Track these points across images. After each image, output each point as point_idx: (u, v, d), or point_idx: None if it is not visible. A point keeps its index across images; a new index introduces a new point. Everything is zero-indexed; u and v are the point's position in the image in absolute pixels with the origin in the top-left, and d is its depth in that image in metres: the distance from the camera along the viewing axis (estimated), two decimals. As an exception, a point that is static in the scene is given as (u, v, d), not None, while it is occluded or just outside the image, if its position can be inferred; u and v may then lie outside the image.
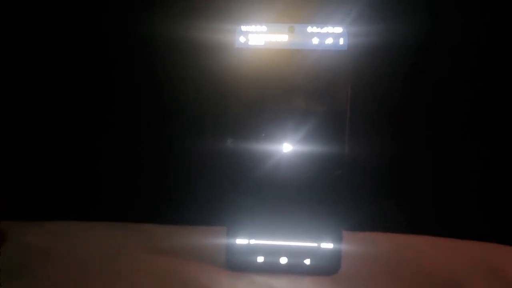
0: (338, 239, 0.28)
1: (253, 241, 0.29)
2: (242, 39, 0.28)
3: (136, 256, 0.30)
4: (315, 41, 0.28)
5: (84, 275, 0.28)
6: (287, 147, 0.28)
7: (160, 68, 0.33)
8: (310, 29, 0.28)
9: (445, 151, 0.33)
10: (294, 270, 0.29)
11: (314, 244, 0.28)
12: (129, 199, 0.34)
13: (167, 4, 0.32)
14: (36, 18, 0.33)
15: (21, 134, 0.34)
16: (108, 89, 0.34)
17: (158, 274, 0.28)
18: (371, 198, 0.33)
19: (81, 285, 0.27)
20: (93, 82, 0.33)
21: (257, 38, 0.28)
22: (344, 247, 0.29)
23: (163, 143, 0.33)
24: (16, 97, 0.34)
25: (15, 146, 0.34)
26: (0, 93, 0.33)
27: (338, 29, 0.28)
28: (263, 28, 0.28)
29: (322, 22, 0.28)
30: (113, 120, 0.34)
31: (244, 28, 0.28)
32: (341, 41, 0.28)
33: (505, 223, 0.32)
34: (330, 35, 0.28)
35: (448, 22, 0.31)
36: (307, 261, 0.28)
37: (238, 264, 0.29)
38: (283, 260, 0.29)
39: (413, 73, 0.32)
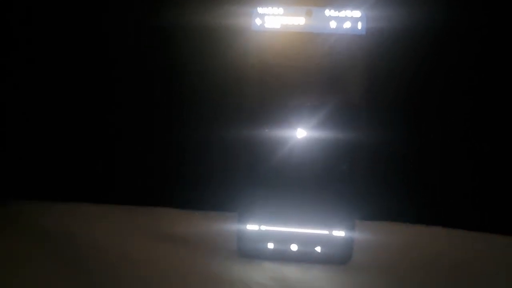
0: (350, 227, 0.28)
1: (264, 228, 0.28)
2: (258, 21, 0.28)
3: (145, 240, 0.29)
4: (333, 24, 0.27)
5: (91, 258, 0.27)
6: (301, 133, 0.28)
7: (176, 54, 0.32)
8: (328, 12, 0.27)
9: (460, 142, 0.32)
10: (305, 258, 0.28)
11: (326, 232, 0.28)
12: (141, 183, 0.34)
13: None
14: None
15: (36, 116, 0.34)
16: (124, 74, 0.33)
17: (167, 260, 0.28)
18: (385, 188, 0.32)
19: (87, 269, 0.27)
20: (110, 67, 0.33)
21: (274, 20, 0.28)
22: (356, 236, 0.28)
23: (176, 127, 0.33)
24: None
25: (27, 129, 0.34)
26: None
27: (357, 13, 0.27)
28: (280, 10, 0.28)
29: (340, 6, 0.27)
30: (127, 103, 0.34)
31: (260, 10, 0.28)
32: (359, 25, 0.27)
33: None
34: (348, 19, 0.27)
35: (469, 6, 0.30)
36: (318, 249, 0.28)
37: (248, 251, 0.28)
38: (294, 247, 0.28)
39: (432, 59, 0.31)
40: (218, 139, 0.32)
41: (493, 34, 0.31)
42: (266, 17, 0.28)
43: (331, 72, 0.27)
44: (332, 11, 0.27)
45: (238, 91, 0.30)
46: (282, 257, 0.28)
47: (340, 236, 0.28)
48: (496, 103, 0.32)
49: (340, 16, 0.27)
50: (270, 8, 0.28)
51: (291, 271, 0.28)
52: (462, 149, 0.32)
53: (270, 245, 0.28)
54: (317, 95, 0.28)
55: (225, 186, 0.32)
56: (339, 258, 0.28)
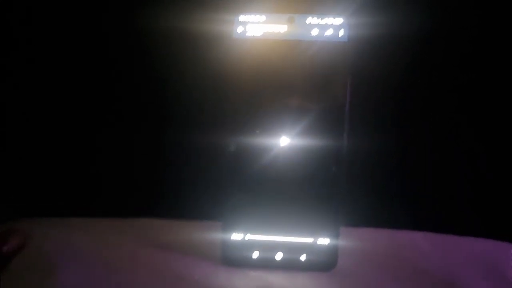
0: (335, 235, 0.28)
1: (248, 236, 0.28)
2: (240, 29, 0.27)
3: (131, 250, 0.29)
4: (315, 32, 0.27)
5: (79, 269, 0.28)
6: (284, 141, 0.28)
7: (157, 60, 0.32)
8: (310, 19, 0.27)
9: (445, 147, 0.32)
10: (290, 266, 0.28)
11: (311, 240, 0.28)
12: (124, 194, 0.34)
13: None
14: (35, 17, 0.32)
15: (20, 131, 0.33)
16: (104, 83, 0.33)
17: (152, 269, 0.28)
18: (369, 194, 0.32)
19: (75, 279, 0.27)
20: (90, 78, 0.33)
21: (255, 28, 0.27)
22: (341, 243, 0.28)
23: (158, 137, 0.33)
24: (16, 97, 0.33)
25: (15, 143, 0.34)
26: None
27: (339, 20, 0.27)
28: (262, 18, 0.27)
29: (322, 13, 0.27)
30: (109, 113, 0.33)
31: (242, 18, 0.27)
32: (342, 32, 0.27)
33: (504, 220, 0.32)
34: (330, 26, 0.27)
35: (453, 13, 0.30)
36: (303, 257, 0.28)
37: (233, 259, 0.29)
38: (279, 256, 0.28)
39: (416, 66, 0.31)
40: (200, 148, 0.32)
41: (477, 39, 0.31)
42: (248, 25, 0.27)
43: (314, 79, 0.27)
44: (314, 18, 0.27)
45: (220, 99, 0.30)
46: (267, 265, 0.28)
47: (324, 244, 0.28)
48: (487, 110, 0.32)
49: (322, 23, 0.27)
50: (252, 15, 0.27)
51: (277, 279, 0.28)
52: (449, 155, 0.32)
53: (255, 254, 0.28)
54: (300, 102, 0.27)
55: (209, 195, 0.32)
56: (324, 266, 0.28)
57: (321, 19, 0.27)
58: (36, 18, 0.32)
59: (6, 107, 0.33)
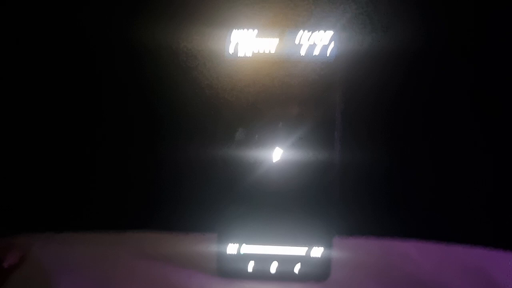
0: (328, 245, 0.29)
1: (243, 248, 0.29)
2: (232, 47, 0.28)
3: (128, 263, 0.30)
4: (305, 48, 0.28)
5: (77, 283, 0.28)
6: (277, 154, 0.28)
7: (151, 77, 0.32)
8: (300, 34, 0.28)
9: (435, 158, 0.33)
10: (284, 277, 0.29)
11: (304, 251, 0.29)
12: (120, 208, 0.34)
13: (157, 13, 0.31)
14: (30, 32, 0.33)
15: (17, 146, 0.34)
16: (96, 99, 0.34)
17: (149, 281, 0.29)
18: (361, 205, 0.33)
19: None
20: (81, 91, 0.33)
21: (247, 44, 0.28)
22: (334, 253, 0.29)
23: (153, 151, 0.33)
24: (14, 114, 0.34)
25: (11, 159, 0.34)
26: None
27: (328, 36, 0.28)
28: (253, 33, 0.28)
29: (312, 29, 0.28)
30: (102, 126, 0.34)
31: (234, 33, 0.28)
32: (331, 48, 0.28)
33: (495, 228, 0.33)
34: (320, 42, 0.28)
35: (441, 30, 0.31)
36: (297, 268, 0.29)
37: (228, 271, 0.29)
38: (274, 267, 0.29)
39: (405, 80, 0.32)
40: (196, 161, 0.33)
41: (465, 55, 0.32)
42: (239, 41, 0.28)
43: (305, 94, 0.28)
44: (304, 33, 0.28)
45: (214, 116, 0.30)
46: (262, 276, 0.29)
47: (318, 255, 0.29)
48: (475, 121, 0.33)
49: (312, 39, 0.28)
50: (243, 30, 0.28)
51: (271, 290, 0.28)
52: (439, 164, 0.33)
53: (250, 265, 0.29)
54: (292, 117, 0.28)
55: (204, 207, 0.32)
56: (318, 276, 0.29)
57: (311, 34, 0.28)
58: (30, 32, 0.32)
59: (5, 124, 0.34)
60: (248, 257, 0.29)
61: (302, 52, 0.28)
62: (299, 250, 0.29)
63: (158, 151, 0.33)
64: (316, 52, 0.28)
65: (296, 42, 0.28)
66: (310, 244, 0.29)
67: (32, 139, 0.34)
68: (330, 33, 0.28)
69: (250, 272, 0.29)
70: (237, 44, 0.28)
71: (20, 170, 0.34)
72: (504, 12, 0.31)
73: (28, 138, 0.34)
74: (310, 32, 0.28)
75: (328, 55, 0.28)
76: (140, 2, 0.31)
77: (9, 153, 0.34)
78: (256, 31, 0.28)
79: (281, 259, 0.29)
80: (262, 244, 0.29)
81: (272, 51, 0.28)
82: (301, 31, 0.28)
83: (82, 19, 0.32)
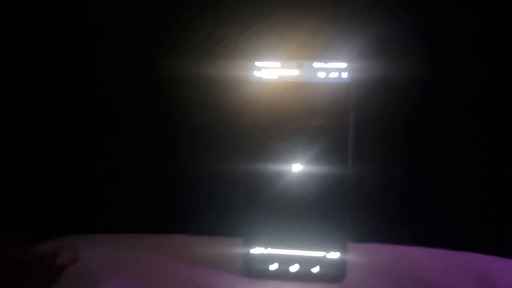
0: (343, 249, 0.31)
1: (267, 251, 0.32)
2: (257, 73, 0.32)
3: (160, 263, 0.33)
4: (321, 75, 0.31)
5: (120, 282, 0.31)
6: (297, 167, 0.31)
7: (181, 98, 0.36)
8: (317, 64, 0.31)
9: (442, 170, 0.36)
10: (303, 277, 0.32)
11: (322, 254, 0.31)
12: (153, 213, 0.37)
13: (188, 45, 0.35)
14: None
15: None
16: (131, 123, 0.37)
17: (182, 281, 0.31)
18: (374, 213, 0.36)
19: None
20: (114, 114, 0.37)
21: (270, 72, 0.32)
22: (349, 257, 0.31)
23: (188, 165, 0.37)
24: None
25: (52, 166, 0.38)
26: None
27: (342, 65, 0.31)
28: (276, 64, 0.32)
29: (328, 59, 0.31)
30: (142, 144, 0.37)
31: (258, 64, 0.32)
32: (344, 75, 0.31)
33: (501, 236, 0.35)
34: (334, 70, 0.31)
35: (449, 60, 0.34)
36: (316, 269, 0.31)
37: (253, 271, 0.32)
38: (294, 268, 0.32)
39: (414, 101, 0.35)
40: (226, 174, 0.36)
41: (471, 83, 0.34)
42: (263, 70, 0.32)
43: (321, 115, 0.31)
44: (320, 63, 0.31)
45: (241, 133, 0.34)
46: (283, 276, 0.32)
47: (334, 257, 0.31)
48: (478, 139, 0.35)
49: (327, 67, 0.31)
50: (266, 62, 0.32)
51: (292, 289, 0.31)
52: (444, 177, 0.36)
53: (273, 266, 0.32)
54: (309, 134, 0.31)
55: (232, 214, 0.36)
56: (334, 277, 0.31)
57: (326, 64, 0.31)
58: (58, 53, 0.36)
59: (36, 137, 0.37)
60: (271, 259, 0.32)
61: (320, 76, 0.31)
62: (318, 253, 0.31)
63: (192, 166, 0.36)
64: (333, 76, 0.31)
65: (314, 68, 0.31)
66: (327, 248, 0.31)
67: (76, 154, 0.37)
68: (343, 63, 0.31)
69: (272, 273, 0.32)
70: (261, 70, 0.32)
71: (68, 181, 0.38)
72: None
73: (72, 153, 0.37)
74: (326, 63, 0.31)
75: (342, 79, 0.31)
76: (173, 33, 0.35)
77: (54, 166, 0.37)
78: (277, 63, 0.31)
79: (301, 261, 0.32)
80: (284, 247, 0.32)
81: (293, 76, 0.31)
82: (317, 62, 0.31)
83: (116, 50, 0.36)
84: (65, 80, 0.36)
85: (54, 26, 0.36)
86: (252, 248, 0.32)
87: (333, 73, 0.31)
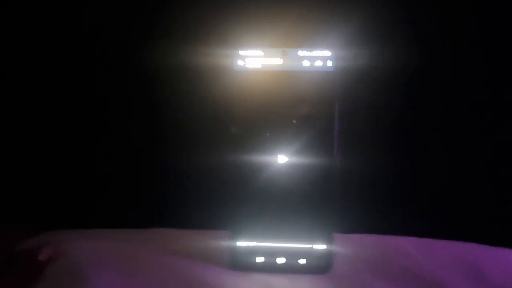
0: (329, 241, 0.31)
1: (253, 244, 0.32)
2: (240, 62, 0.31)
3: (148, 257, 0.32)
4: (306, 63, 0.31)
5: (107, 275, 0.30)
6: (282, 158, 0.31)
7: (164, 89, 0.35)
8: (301, 52, 0.31)
9: (429, 159, 0.35)
10: (290, 269, 0.31)
11: (308, 246, 0.31)
12: (139, 206, 0.37)
13: (171, 33, 0.34)
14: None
15: (27, 142, 0.37)
16: (115, 112, 0.36)
17: (166, 274, 0.31)
18: (359, 203, 0.35)
19: (104, 283, 0.30)
20: (97, 106, 0.37)
21: (254, 61, 0.31)
22: (335, 248, 0.31)
23: (173, 158, 0.36)
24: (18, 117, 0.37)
25: (41, 161, 0.37)
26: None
27: (327, 53, 0.31)
28: (259, 52, 0.31)
29: (312, 46, 0.31)
30: (127, 138, 0.37)
31: (242, 52, 0.31)
32: (329, 63, 0.30)
33: (488, 226, 0.35)
34: (319, 58, 0.31)
35: (436, 48, 0.33)
36: (302, 261, 0.31)
37: (240, 264, 0.32)
38: (281, 260, 0.31)
39: (402, 94, 0.34)
40: (210, 167, 0.35)
41: (459, 71, 0.34)
42: (247, 59, 0.31)
43: (306, 104, 0.30)
44: (305, 51, 0.31)
45: (225, 124, 0.33)
46: (270, 269, 0.32)
47: (320, 249, 0.31)
48: (467, 126, 0.35)
49: (312, 55, 0.31)
50: (250, 50, 0.31)
51: (279, 281, 0.31)
52: (432, 165, 0.35)
53: (259, 259, 0.32)
54: (295, 124, 0.31)
55: (218, 207, 0.35)
56: (320, 268, 0.31)
57: (311, 52, 0.31)
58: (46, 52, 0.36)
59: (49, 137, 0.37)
60: (257, 251, 0.32)
61: (305, 64, 0.30)
62: (304, 245, 0.31)
63: (176, 158, 0.36)
64: (318, 64, 0.30)
65: (299, 56, 0.30)
66: (313, 239, 0.31)
67: (65, 152, 0.37)
68: (328, 51, 0.30)
69: (259, 265, 0.32)
70: (245, 59, 0.31)
71: (53, 176, 0.37)
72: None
73: (62, 152, 0.37)
74: (311, 51, 0.30)
75: (327, 67, 0.30)
76: (154, 23, 0.35)
77: (39, 163, 0.37)
78: (260, 51, 0.31)
79: (287, 253, 0.31)
80: (270, 240, 0.32)
81: (277, 64, 0.31)
82: (302, 50, 0.30)
83: (98, 39, 0.35)
84: (59, 77, 0.36)
85: (54, 26, 0.35)
86: (239, 241, 0.32)
87: (318, 61, 0.30)
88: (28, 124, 0.37)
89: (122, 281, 0.31)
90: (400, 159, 0.35)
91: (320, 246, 0.31)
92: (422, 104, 0.34)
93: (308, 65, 0.30)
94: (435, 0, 0.32)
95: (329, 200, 0.31)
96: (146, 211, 0.37)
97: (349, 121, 0.33)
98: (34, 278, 0.31)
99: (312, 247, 0.31)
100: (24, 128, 0.37)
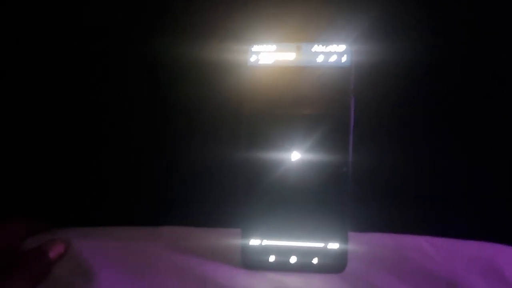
0: (344, 239, 0.31)
1: (265, 242, 0.31)
2: (253, 58, 0.31)
3: (157, 255, 0.32)
4: (320, 58, 0.30)
5: (115, 274, 0.30)
6: (295, 155, 0.31)
7: (177, 85, 0.35)
8: (316, 47, 0.30)
9: (444, 155, 0.35)
10: (303, 268, 0.31)
11: (322, 244, 0.31)
12: (149, 205, 0.37)
13: (183, 27, 0.34)
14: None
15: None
16: (124, 109, 0.36)
17: (179, 273, 0.31)
18: (374, 201, 0.35)
19: (112, 282, 0.30)
20: (108, 101, 0.36)
21: (267, 56, 0.30)
22: (349, 247, 0.31)
23: (183, 155, 0.36)
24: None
25: (47, 158, 0.37)
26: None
27: (342, 47, 0.30)
28: (273, 47, 0.31)
29: (327, 41, 0.30)
30: (136, 134, 0.37)
31: (255, 48, 0.31)
32: (344, 58, 0.30)
33: (503, 223, 0.34)
34: (334, 53, 0.30)
35: (452, 42, 0.33)
36: (315, 260, 0.31)
37: (252, 263, 0.31)
38: (293, 259, 0.31)
39: (414, 86, 0.34)
40: (222, 163, 0.35)
41: (474, 66, 0.33)
42: (260, 54, 0.31)
43: (320, 100, 0.30)
44: (319, 46, 0.30)
45: (237, 120, 0.33)
46: (283, 268, 0.31)
47: (334, 248, 0.31)
48: (482, 124, 0.34)
49: (326, 50, 0.30)
50: (263, 45, 0.31)
51: (292, 281, 0.30)
52: (448, 162, 0.35)
53: (272, 258, 0.31)
54: (308, 120, 0.30)
55: (229, 205, 0.35)
56: (334, 268, 0.31)
57: (326, 47, 0.30)
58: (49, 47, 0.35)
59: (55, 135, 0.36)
60: (270, 250, 0.31)
61: (319, 60, 0.30)
62: (317, 244, 0.31)
63: (187, 153, 0.36)
64: (332, 60, 0.30)
65: (313, 51, 0.30)
66: (327, 237, 0.31)
67: (67, 148, 0.37)
68: (342, 46, 0.30)
69: (271, 264, 0.31)
70: (258, 55, 0.30)
71: (64, 172, 0.37)
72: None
73: (64, 147, 0.37)
74: (325, 46, 0.30)
75: (342, 63, 0.30)
76: (162, 18, 0.34)
77: (51, 155, 0.37)
78: (274, 46, 0.30)
79: (300, 252, 0.31)
80: (283, 238, 0.31)
81: (291, 59, 0.30)
82: (316, 45, 0.30)
83: (108, 34, 0.35)
84: (59, 74, 0.36)
85: (54, 26, 0.35)
86: (251, 239, 0.31)
87: (333, 56, 0.30)
88: (29, 125, 0.37)
89: (131, 280, 0.31)
90: (417, 155, 0.34)
91: (334, 245, 0.31)
92: (439, 99, 0.34)
93: (323, 60, 0.30)
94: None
95: (343, 198, 0.30)
96: (156, 209, 0.37)
97: (364, 117, 0.32)
98: (43, 276, 0.31)
99: (325, 246, 0.31)
100: (25, 129, 0.37)
